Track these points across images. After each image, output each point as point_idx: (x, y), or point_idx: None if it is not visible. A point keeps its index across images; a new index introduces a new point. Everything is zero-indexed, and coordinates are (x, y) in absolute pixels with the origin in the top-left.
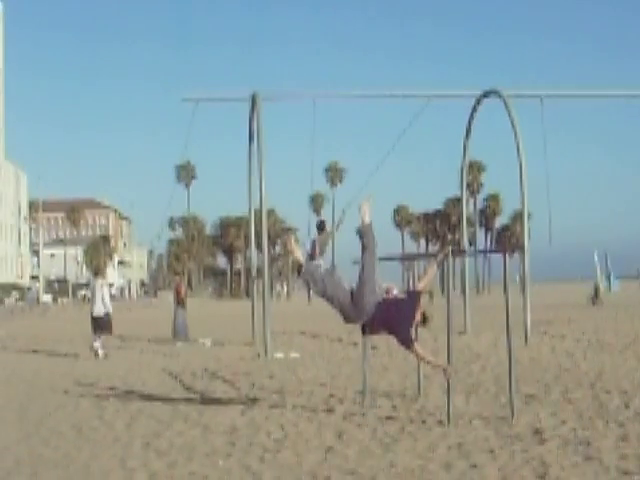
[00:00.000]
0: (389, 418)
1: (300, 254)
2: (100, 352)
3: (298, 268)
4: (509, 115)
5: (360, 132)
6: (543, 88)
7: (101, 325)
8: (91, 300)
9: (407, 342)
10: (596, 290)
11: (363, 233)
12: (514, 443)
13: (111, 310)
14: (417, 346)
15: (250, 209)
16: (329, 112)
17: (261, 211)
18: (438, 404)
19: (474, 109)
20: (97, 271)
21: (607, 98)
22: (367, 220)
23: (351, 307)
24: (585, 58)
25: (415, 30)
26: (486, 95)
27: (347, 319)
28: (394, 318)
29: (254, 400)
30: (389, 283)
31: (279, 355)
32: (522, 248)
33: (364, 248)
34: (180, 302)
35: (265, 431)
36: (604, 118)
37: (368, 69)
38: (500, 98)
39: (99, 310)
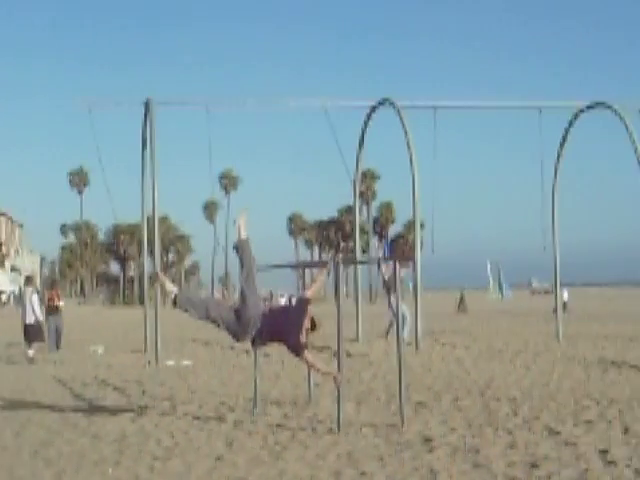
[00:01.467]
0: (280, 426)
1: (170, 285)
2: (31, 355)
3: (173, 300)
4: (402, 125)
5: (255, 140)
6: (437, 98)
7: (32, 333)
8: (22, 308)
9: (297, 349)
10: (461, 298)
11: (240, 248)
12: (403, 451)
13: (41, 318)
14: (307, 354)
15: (143, 216)
16: (224, 119)
17: (154, 218)
18: (329, 412)
19: (368, 118)
20: (28, 279)
21: (500, 109)
22: (243, 235)
23: (237, 324)
24: (482, 64)
25: (311, 39)
26: (380, 104)
27: (236, 337)
28: (282, 326)
29: (144, 408)
30: (282, 291)
31: (170, 363)
32: (413, 257)
33: (242, 263)
34: (52, 309)
35: (155, 439)
36: (501, 123)
37: (263, 77)
38: (394, 108)
39: (30, 318)
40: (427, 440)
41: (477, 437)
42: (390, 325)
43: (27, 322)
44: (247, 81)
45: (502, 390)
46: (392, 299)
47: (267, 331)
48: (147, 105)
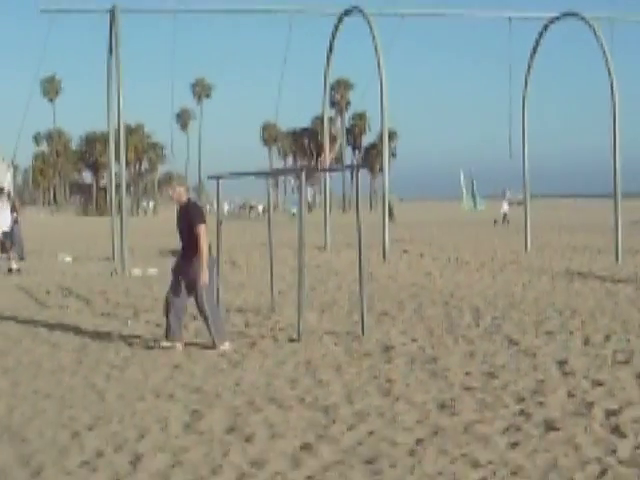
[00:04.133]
0: (241, 334)
1: None
2: (14, 267)
3: None
4: (371, 33)
5: (227, 48)
6: (406, 6)
7: (5, 243)
8: None
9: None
10: (390, 208)
11: None
12: (362, 360)
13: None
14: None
15: (108, 124)
16: (194, 28)
17: (119, 126)
18: (291, 321)
19: (336, 27)
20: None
21: (470, 19)
22: None
23: None
24: None
25: None
26: (348, 13)
27: None
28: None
29: (107, 316)
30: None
31: (136, 271)
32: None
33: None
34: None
35: (114, 349)
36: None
37: None
38: (362, 16)
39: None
40: (387, 349)
41: (437, 347)
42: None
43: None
44: None
45: (466, 300)
46: None
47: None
48: (112, 12)
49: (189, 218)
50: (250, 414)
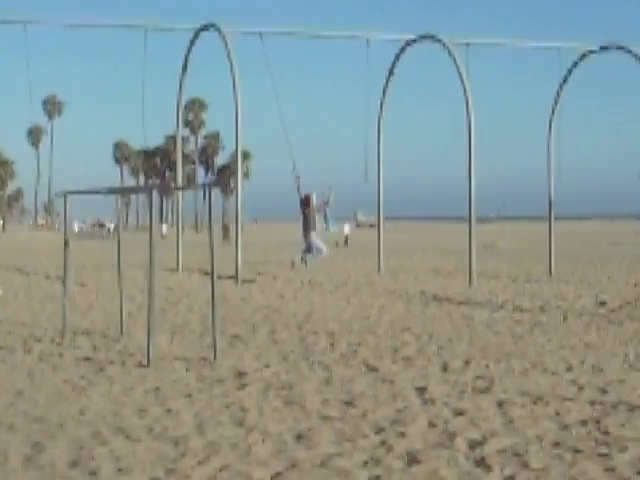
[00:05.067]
0: (87, 359)
1: None
2: None
3: None
4: (227, 51)
5: (79, 64)
6: (265, 25)
7: None
8: None
9: None
10: (225, 228)
11: None
12: (214, 387)
13: None
14: None
15: None
16: (46, 43)
17: None
18: (141, 344)
19: (192, 43)
20: None
21: (327, 39)
22: None
23: None
24: None
25: None
26: (204, 29)
27: None
28: None
29: None
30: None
31: None
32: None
33: None
34: None
35: None
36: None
37: None
38: (219, 33)
39: None
40: (240, 375)
41: (292, 372)
42: (305, 251)
43: None
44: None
45: (321, 324)
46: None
47: None
48: None
49: None
50: (95, 446)
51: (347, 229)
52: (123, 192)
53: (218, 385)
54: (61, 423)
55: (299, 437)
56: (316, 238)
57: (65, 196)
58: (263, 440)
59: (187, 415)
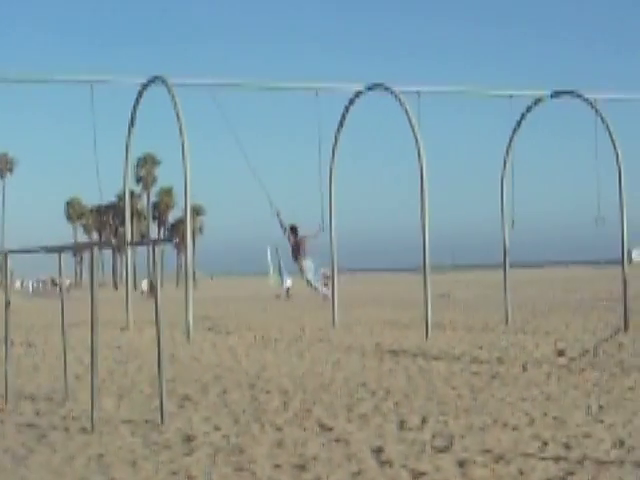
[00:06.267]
0: (30, 425)
1: None
2: None
3: None
4: (174, 105)
5: (30, 120)
6: (214, 77)
7: None
8: None
9: None
10: (151, 284)
11: None
12: (161, 453)
13: None
14: None
15: None
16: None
17: None
18: (86, 408)
19: (139, 96)
20: None
21: (277, 90)
22: None
23: None
24: (260, 47)
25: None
26: (151, 82)
27: None
28: None
29: None
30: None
31: None
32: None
33: None
34: None
35: None
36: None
37: (31, 48)
38: (166, 86)
39: None
40: (188, 440)
41: (243, 435)
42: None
43: None
44: (16, 54)
45: (274, 382)
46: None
47: None
48: None
49: None
50: None
51: (289, 282)
52: (63, 250)
53: (165, 451)
54: None
55: None
56: (308, 271)
57: (5, 255)
58: None
59: None
